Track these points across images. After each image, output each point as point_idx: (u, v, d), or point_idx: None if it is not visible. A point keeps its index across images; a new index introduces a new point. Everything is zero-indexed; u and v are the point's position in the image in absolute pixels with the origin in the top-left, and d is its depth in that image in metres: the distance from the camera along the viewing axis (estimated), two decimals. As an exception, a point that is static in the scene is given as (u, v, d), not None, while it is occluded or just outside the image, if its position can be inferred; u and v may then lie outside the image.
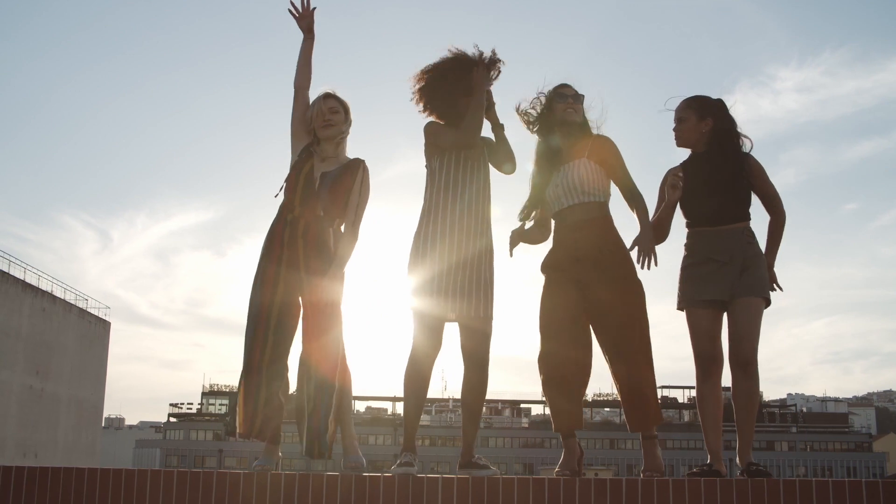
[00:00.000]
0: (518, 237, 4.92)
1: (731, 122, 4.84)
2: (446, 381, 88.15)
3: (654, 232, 4.69)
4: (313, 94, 4.93)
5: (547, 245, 4.94)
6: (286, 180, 4.78)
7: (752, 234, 4.73)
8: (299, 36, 4.96)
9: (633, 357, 4.59)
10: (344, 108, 4.87)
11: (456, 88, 4.77)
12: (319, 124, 4.81)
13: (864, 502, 3.91)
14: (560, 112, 4.89)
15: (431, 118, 4.88)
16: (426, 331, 4.63)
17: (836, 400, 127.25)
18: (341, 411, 4.62)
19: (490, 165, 4.88)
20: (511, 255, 4.91)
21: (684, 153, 4.93)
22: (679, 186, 4.73)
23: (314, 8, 4.97)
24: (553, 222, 4.94)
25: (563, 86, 4.93)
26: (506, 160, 4.87)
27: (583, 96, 4.93)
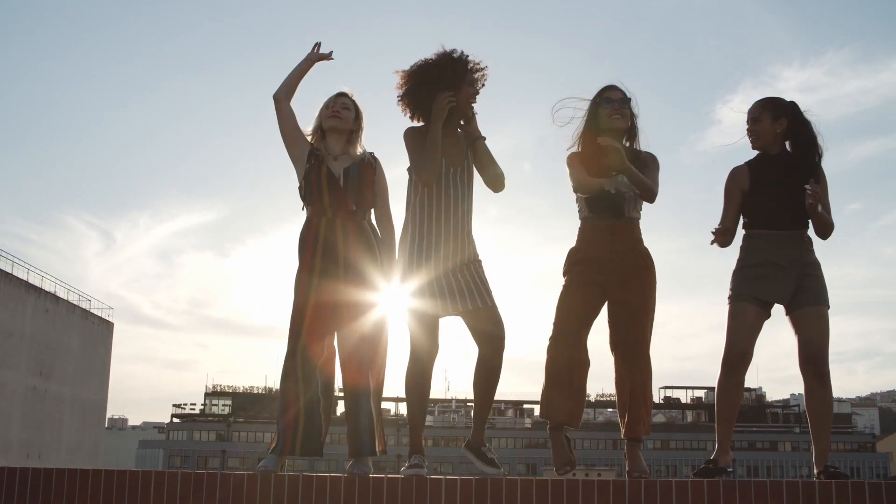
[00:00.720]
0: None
1: (808, 127, 4.76)
2: (449, 381, 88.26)
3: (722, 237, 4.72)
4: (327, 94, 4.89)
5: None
6: (305, 189, 4.72)
7: (810, 241, 4.72)
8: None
9: (645, 364, 4.68)
10: (356, 109, 4.84)
11: (438, 88, 4.70)
12: (326, 115, 4.79)
13: (868, 502, 3.91)
14: (605, 118, 4.77)
15: (415, 121, 4.84)
16: (425, 330, 4.62)
17: (840, 400, 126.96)
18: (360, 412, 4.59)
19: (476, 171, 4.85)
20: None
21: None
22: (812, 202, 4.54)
23: (331, 52, 4.90)
24: (584, 223, 4.85)
25: (609, 88, 4.84)
26: (485, 172, 4.77)
27: (630, 99, 4.82)
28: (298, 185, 4.76)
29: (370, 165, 4.77)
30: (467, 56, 4.76)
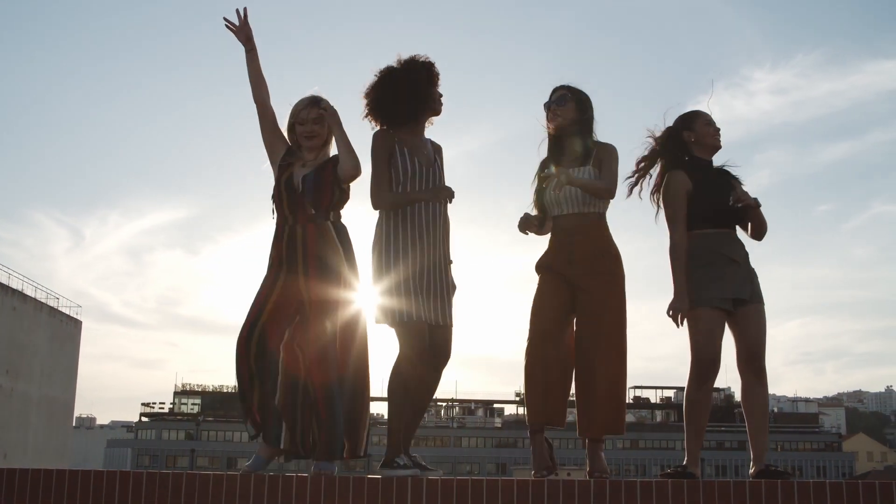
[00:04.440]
0: (526, 223, 4.88)
1: None
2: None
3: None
4: (299, 95, 4.84)
5: (526, 240, 4.96)
6: (272, 197, 4.74)
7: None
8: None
9: (617, 362, 4.67)
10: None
11: (398, 91, 4.76)
12: (302, 134, 4.75)
13: (829, 502, 3.96)
14: (548, 124, 4.93)
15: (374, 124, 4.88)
16: (413, 336, 4.62)
17: (807, 400, 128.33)
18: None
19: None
20: (526, 233, 4.89)
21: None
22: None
23: (244, 8, 4.80)
24: (553, 222, 4.92)
25: (552, 91, 4.96)
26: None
27: (568, 94, 4.90)
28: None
29: (332, 164, 4.73)
30: (431, 60, 4.85)
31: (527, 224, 4.87)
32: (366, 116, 4.86)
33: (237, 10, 4.81)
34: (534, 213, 4.96)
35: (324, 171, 4.71)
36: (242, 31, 4.82)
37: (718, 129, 4.93)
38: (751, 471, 4.57)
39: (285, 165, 4.74)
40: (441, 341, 4.74)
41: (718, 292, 4.65)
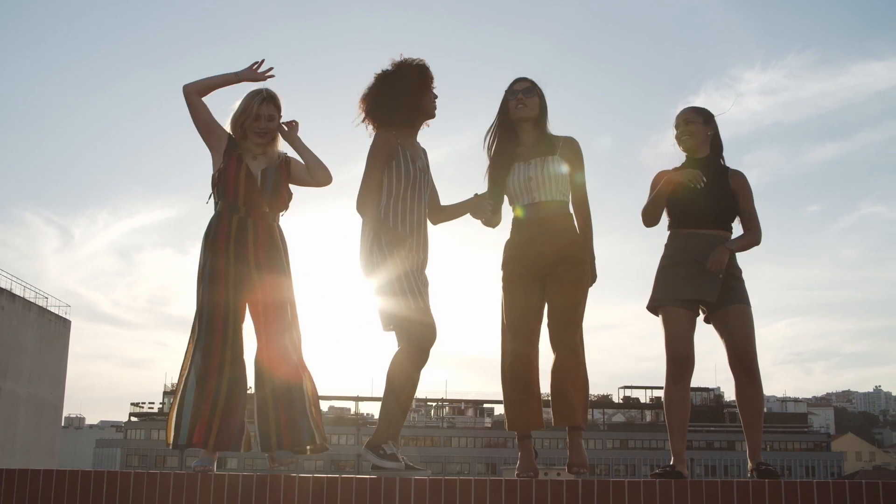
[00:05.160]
0: (480, 207, 4.86)
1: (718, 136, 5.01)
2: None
3: (646, 215, 4.87)
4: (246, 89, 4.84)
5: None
6: (220, 183, 4.71)
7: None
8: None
9: (580, 351, 4.70)
10: (280, 115, 4.80)
11: (393, 96, 4.79)
12: (254, 130, 4.73)
13: (816, 502, 3.97)
14: (512, 110, 4.90)
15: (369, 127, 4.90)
16: (422, 339, 4.62)
17: (796, 400, 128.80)
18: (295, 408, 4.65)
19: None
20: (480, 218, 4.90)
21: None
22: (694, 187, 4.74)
23: (268, 70, 4.83)
24: (514, 214, 4.92)
25: (516, 81, 4.95)
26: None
27: (534, 87, 4.90)
28: (212, 175, 4.76)
29: (284, 164, 4.79)
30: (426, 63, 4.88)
31: (482, 207, 4.85)
32: (363, 121, 4.88)
33: (259, 62, 4.82)
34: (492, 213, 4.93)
35: (280, 171, 4.76)
36: (245, 79, 4.82)
37: (686, 130, 4.91)
38: (748, 467, 4.62)
39: (235, 155, 4.72)
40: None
41: (683, 292, 4.69)
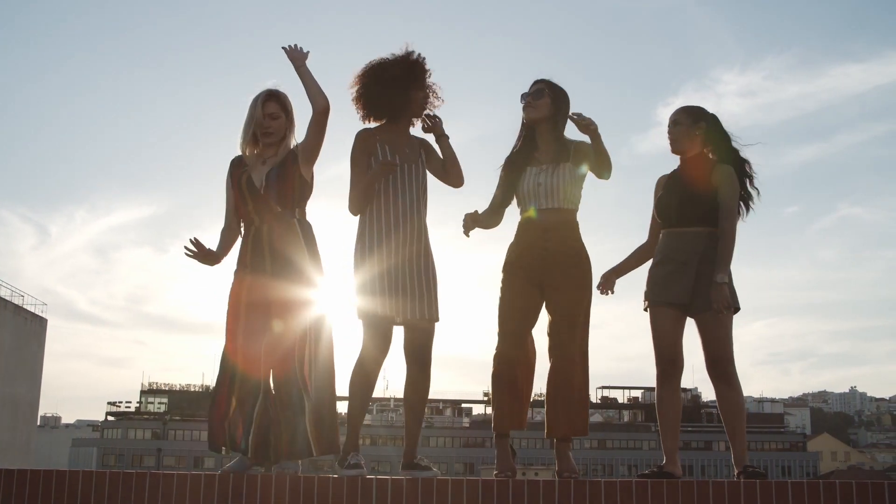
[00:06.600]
0: (473, 221, 4.86)
1: (722, 130, 4.90)
2: (388, 380, 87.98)
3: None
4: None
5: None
6: (230, 206, 4.74)
7: (716, 241, 4.70)
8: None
9: (586, 362, 4.68)
10: (285, 111, 4.72)
11: (394, 88, 4.78)
12: (260, 132, 4.69)
13: (790, 502, 4.00)
14: (524, 113, 4.88)
15: (368, 122, 4.90)
16: (376, 334, 4.63)
17: (773, 401, 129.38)
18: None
19: (431, 173, 4.93)
20: (468, 236, 4.86)
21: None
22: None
23: (307, 52, 4.71)
24: (521, 218, 4.89)
25: (533, 83, 4.90)
26: (449, 169, 4.91)
27: (545, 90, 4.84)
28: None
29: (291, 158, 4.69)
30: (424, 59, 4.87)
31: (475, 221, 4.85)
32: (354, 103, 4.88)
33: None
34: (480, 211, 4.91)
35: (285, 165, 4.67)
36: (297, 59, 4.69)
37: (672, 132, 4.89)
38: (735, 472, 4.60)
39: (238, 174, 4.70)
40: (418, 337, 4.75)
41: (660, 294, 4.71)
